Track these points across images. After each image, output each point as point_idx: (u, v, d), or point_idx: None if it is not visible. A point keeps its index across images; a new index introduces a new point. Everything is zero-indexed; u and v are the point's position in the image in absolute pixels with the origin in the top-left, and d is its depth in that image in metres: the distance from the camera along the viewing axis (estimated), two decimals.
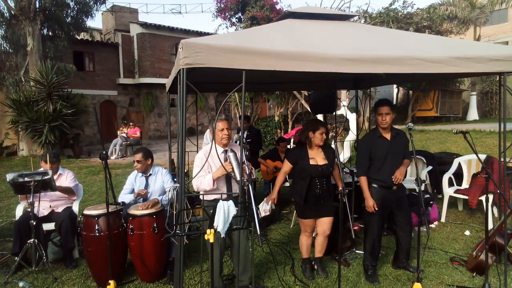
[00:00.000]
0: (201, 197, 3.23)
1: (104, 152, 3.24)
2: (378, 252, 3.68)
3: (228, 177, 3.28)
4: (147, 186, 4.12)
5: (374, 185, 3.54)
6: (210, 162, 3.23)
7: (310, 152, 3.60)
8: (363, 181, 3.53)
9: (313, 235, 3.90)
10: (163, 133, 19.65)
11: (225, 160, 3.24)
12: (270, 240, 4.69)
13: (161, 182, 4.12)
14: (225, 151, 3.30)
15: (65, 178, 4.32)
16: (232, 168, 3.07)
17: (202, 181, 3.18)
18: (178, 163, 3.27)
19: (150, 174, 4.14)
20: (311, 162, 3.55)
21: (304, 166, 3.56)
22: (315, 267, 3.79)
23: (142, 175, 4.14)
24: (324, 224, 3.64)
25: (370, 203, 3.47)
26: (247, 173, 2.96)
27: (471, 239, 4.55)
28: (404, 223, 3.65)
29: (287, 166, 3.68)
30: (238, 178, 2.92)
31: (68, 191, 4.30)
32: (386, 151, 3.49)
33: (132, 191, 4.17)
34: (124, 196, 4.10)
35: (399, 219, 3.64)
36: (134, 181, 4.17)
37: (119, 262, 3.68)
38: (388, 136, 3.54)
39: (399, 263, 3.80)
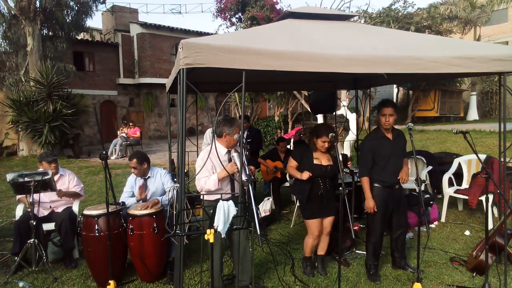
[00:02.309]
0: (202, 197, 3.22)
1: (104, 152, 3.24)
2: (380, 251, 3.70)
3: (231, 177, 3.28)
4: (146, 188, 4.11)
5: (377, 185, 3.54)
6: (214, 162, 3.22)
7: (315, 153, 3.61)
8: (365, 181, 3.52)
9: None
10: (163, 133, 19.65)
11: (229, 160, 3.24)
12: (270, 240, 4.69)
13: (160, 184, 4.11)
14: (229, 151, 3.29)
15: (67, 180, 4.30)
16: (237, 169, 3.06)
17: (207, 182, 3.15)
18: (178, 163, 3.27)
19: (149, 177, 4.13)
20: (315, 161, 3.57)
21: (307, 165, 3.57)
22: (316, 264, 3.81)
23: (141, 178, 4.14)
24: (327, 222, 3.67)
25: (371, 204, 3.47)
26: (248, 173, 2.95)
27: (471, 239, 4.55)
28: (401, 223, 3.68)
29: (292, 162, 3.69)
30: (243, 179, 2.90)
31: (74, 196, 4.31)
32: (389, 151, 3.50)
33: (133, 194, 4.17)
34: (126, 200, 4.11)
35: (396, 218, 3.67)
36: (134, 184, 4.17)
37: (119, 262, 3.68)
38: (390, 136, 3.55)
39: (397, 263, 3.81)
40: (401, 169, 3.57)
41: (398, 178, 3.53)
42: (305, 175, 3.46)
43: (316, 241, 3.76)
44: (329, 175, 3.58)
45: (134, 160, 4.00)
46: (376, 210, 3.49)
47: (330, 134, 3.37)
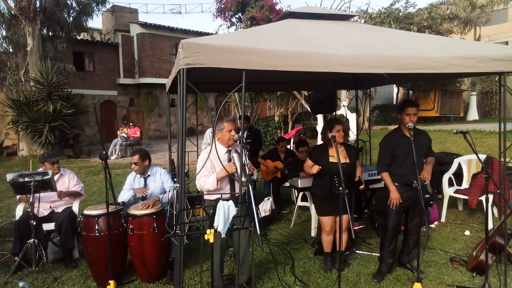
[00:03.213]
0: (205, 196, 3.24)
1: (104, 152, 3.24)
2: (395, 249, 3.70)
3: (231, 177, 3.28)
4: (145, 187, 4.12)
5: (395, 183, 3.55)
6: (213, 162, 3.22)
7: (330, 150, 3.66)
8: (386, 176, 3.57)
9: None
10: (163, 133, 19.65)
11: (229, 160, 3.24)
12: (270, 240, 4.69)
13: (160, 183, 4.12)
14: (229, 151, 3.29)
15: (67, 180, 4.30)
16: (236, 169, 3.06)
17: (206, 181, 3.17)
18: (178, 163, 3.27)
19: (149, 175, 4.15)
20: (331, 159, 3.61)
21: (323, 163, 3.61)
22: (335, 260, 3.84)
23: (141, 176, 4.15)
24: (343, 220, 3.62)
25: (396, 195, 3.48)
26: (248, 173, 2.95)
27: (471, 239, 4.55)
28: (417, 220, 3.67)
29: (309, 162, 3.75)
30: (243, 179, 2.90)
31: (75, 195, 4.32)
32: (408, 149, 3.48)
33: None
34: (123, 194, 4.11)
35: (413, 215, 3.66)
36: (133, 182, 4.18)
37: (119, 262, 3.68)
38: (409, 135, 3.54)
39: (403, 259, 3.81)
40: (420, 168, 3.54)
41: (420, 176, 3.44)
42: (315, 168, 3.53)
43: (331, 236, 3.80)
44: (346, 173, 3.59)
45: (137, 156, 4.06)
46: (397, 204, 3.51)
47: (330, 134, 3.41)
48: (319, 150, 3.79)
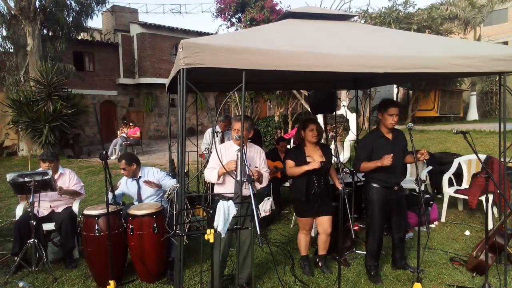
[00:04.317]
0: (215, 190, 3.33)
1: (104, 152, 3.24)
2: (380, 253, 3.69)
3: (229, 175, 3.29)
4: (139, 189, 4.12)
5: (375, 185, 3.53)
6: (224, 157, 3.27)
7: (306, 150, 3.65)
8: (365, 165, 3.47)
9: (313, 234, 3.90)
10: (163, 133, 19.65)
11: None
12: (270, 240, 4.69)
13: (155, 181, 4.12)
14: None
15: (67, 179, 4.31)
16: (236, 168, 3.07)
17: (210, 173, 3.27)
18: (178, 163, 3.27)
19: (140, 177, 4.15)
20: (308, 159, 3.59)
21: (301, 163, 3.58)
22: (320, 264, 3.82)
23: (133, 179, 4.15)
24: (325, 223, 3.66)
25: (386, 160, 3.27)
26: (252, 178, 2.95)
27: (471, 239, 4.55)
28: (401, 224, 3.68)
29: (290, 163, 3.70)
30: (238, 178, 2.92)
31: (74, 194, 4.31)
32: (389, 151, 3.48)
33: (123, 195, 4.25)
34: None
35: (395, 219, 3.66)
36: (126, 186, 4.19)
37: (119, 262, 3.68)
38: (390, 136, 3.55)
39: (397, 264, 3.81)
40: (401, 169, 3.56)
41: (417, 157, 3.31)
42: (315, 163, 3.40)
43: (308, 236, 3.79)
44: (323, 172, 3.58)
45: (123, 161, 4.08)
46: (375, 208, 3.50)
47: (330, 134, 3.41)
48: (296, 150, 3.73)
